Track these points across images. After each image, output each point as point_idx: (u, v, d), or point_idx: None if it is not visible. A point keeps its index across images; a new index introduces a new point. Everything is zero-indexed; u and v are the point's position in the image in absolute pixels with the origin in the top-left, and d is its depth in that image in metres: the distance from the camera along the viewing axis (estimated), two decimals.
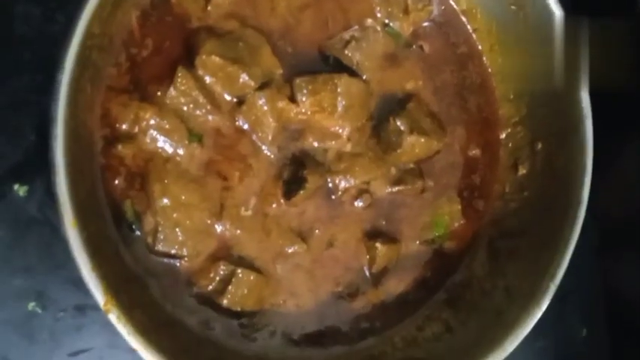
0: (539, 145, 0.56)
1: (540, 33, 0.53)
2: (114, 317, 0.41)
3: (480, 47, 0.58)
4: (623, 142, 0.61)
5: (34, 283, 0.53)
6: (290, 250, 0.53)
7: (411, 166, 0.56)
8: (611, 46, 0.50)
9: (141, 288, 0.48)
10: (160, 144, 0.50)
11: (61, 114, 0.41)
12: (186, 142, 0.50)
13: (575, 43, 0.50)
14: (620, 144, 0.61)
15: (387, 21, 0.56)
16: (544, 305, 0.50)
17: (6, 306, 0.52)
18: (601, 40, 0.50)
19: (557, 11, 0.51)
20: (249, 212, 0.52)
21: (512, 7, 0.54)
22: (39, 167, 0.52)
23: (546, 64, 0.53)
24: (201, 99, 0.50)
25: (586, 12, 0.51)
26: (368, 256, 0.55)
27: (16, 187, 0.53)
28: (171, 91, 0.50)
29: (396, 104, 0.56)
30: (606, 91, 0.49)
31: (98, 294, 0.41)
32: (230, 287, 0.50)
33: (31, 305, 0.53)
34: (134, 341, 0.43)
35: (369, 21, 0.56)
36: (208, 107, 0.51)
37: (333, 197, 0.54)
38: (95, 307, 0.42)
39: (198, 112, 0.51)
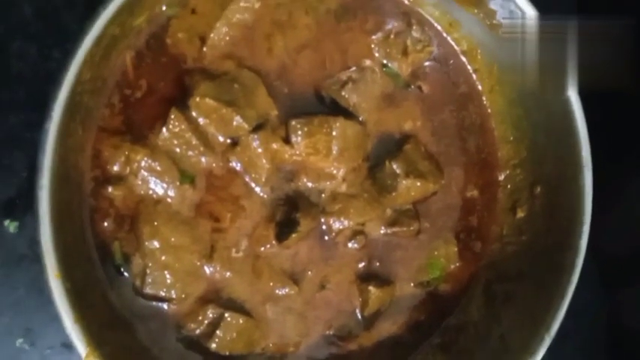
0: (539, 189, 0.55)
1: None
2: None
3: (480, 87, 0.58)
4: (625, 181, 0.60)
5: (22, 319, 0.53)
6: (281, 293, 0.52)
7: (407, 207, 0.55)
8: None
9: (127, 332, 0.48)
10: (151, 185, 0.50)
11: (48, 163, 0.41)
12: (178, 183, 0.50)
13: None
14: (622, 182, 0.60)
15: (385, 61, 0.56)
16: (539, 356, 0.49)
17: None
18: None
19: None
20: (240, 254, 0.52)
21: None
22: (30, 204, 0.52)
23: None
24: (194, 140, 0.50)
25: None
26: (361, 299, 0.54)
27: (6, 223, 0.53)
28: (164, 133, 0.50)
29: (393, 145, 0.55)
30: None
31: (80, 346, 0.41)
32: (218, 331, 0.50)
33: (19, 342, 0.53)
34: None
35: (367, 62, 0.55)
36: (201, 149, 0.51)
37: (327, 238, 0.54)
38: None
39: (190, 153, 0.50)
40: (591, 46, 0.48)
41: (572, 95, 0.50)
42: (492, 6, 0.52)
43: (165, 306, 0.50)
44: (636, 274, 0.61)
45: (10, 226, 0.53)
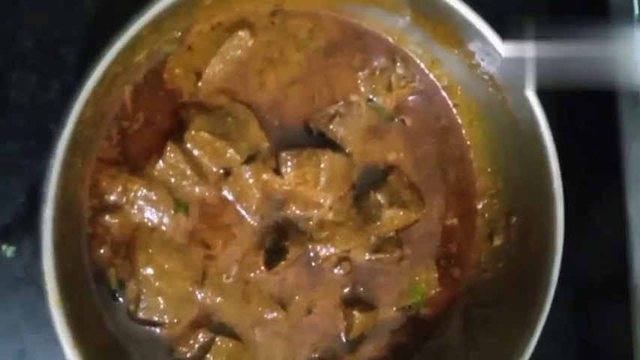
0: (514, 219, 0.58)
1: (517, 116, 0.55)
2: None
3: (459, 121, 0.60)
4: (597, 204, 0.63)
5: (16, 341, 0.54)
6: (269, 317, 0.54)
7: (390, 234, 0.58)
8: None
9: (122, 355, 0.49)
10: (146, 214, 0.51)
11: (51, 197, 0.42)
12: (172, 212, 0.52)
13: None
14: (594, 205, 0.63)
15: (371, 96, 0.58)
16: None
17: None
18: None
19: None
20: (231, 280, 0.54)
21: (490, 89, 0.57)
22: (27, 229, 0.54)
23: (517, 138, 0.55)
24: (188, 171, 0.52)
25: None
26: (345, 323, 0.56)
27: (4, 247, 0.54)
28: (160, 164, 0.52)
29: (377, 175, 0.58)
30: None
31: None
32: (209, 355, 0.51)
33: None
34: None
35: (354, 96, 0.58)
36: (195, 179, 0.52)
37: (314, 264, 0.56)
38: None
39: (185, 183, 0.52)
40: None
41: (545, 131, 0.53)
42: (471, 48, 0.55)
43: (157, 330, 0.51)
44: (606, 297, 0.63)
45: (8, 250, 0.54)
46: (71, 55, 0.56)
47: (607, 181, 0.59)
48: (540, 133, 0.53)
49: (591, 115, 0.61)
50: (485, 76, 0.56)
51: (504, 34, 0.52)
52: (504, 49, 0.52)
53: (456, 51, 0.56)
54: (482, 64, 0.55)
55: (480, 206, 0.60)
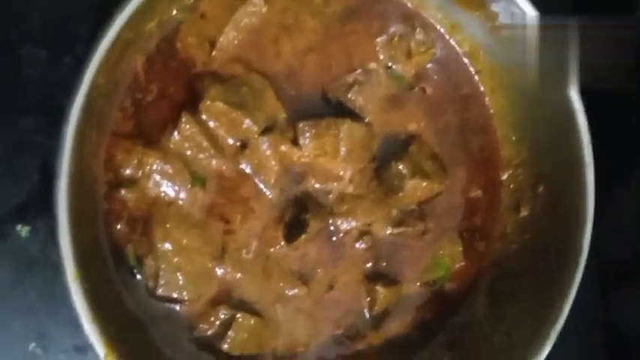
0: (541, 188, 0.56)
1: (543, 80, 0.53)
2: None
3: (482, 89, 0.58)
4: (624, 183, 0.61)
5: (34, 323, 0.53)
6: (290, 293, 0.53)
7: (413, 207, 0.56)
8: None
9: (141, 333, 0.48)
10: (163, 188, 0.50)
11: (66, 168, 0.41)
12: (189, 185, 0.51)
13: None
14: (621, 185, 0.61)
15: (390, 64, 0.56)
16: (545, 351, 0.50)
17: (6, 347, 0.53)
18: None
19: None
20: (251, 255, 0.52)
21: (514, 52, 0.54)
22: (42, 208, 0.53)
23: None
24: (205, 143, 0.51)
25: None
26: (368, 299, 0.55)
27: (18, 227, 0.53)
28: (176, 136, 0.50)
29: (398, 146, 0.56)
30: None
31: (99, 346, 0.41)
32: (230, 332, 0.50)
33: (32, 346, 0.53)
34: None
35: (372, 64, 0.56)
36: (212, 151, 0.51)
37: (335, 239, 0.54)
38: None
39: (201, 155, 0.51)
40: (593, 45, 0.49)
41: (574, 94, 0.51)
42: (494, 8, 0.53)
43: (177, 307, 0.50)
44: (632, 278, 0.61)
45: (23, 230, 0.53)
46: (82, 30, 0.55)
47: (633, 160, 0.57)
48: (568, 97, 0.51)
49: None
50: (510, 39, 0.54)
51: None
52: (530, 7, 0.50)
53: (478, 13, 0.55)
54: (506, 25, 0.53)
55: (504, 177, 0.59)
